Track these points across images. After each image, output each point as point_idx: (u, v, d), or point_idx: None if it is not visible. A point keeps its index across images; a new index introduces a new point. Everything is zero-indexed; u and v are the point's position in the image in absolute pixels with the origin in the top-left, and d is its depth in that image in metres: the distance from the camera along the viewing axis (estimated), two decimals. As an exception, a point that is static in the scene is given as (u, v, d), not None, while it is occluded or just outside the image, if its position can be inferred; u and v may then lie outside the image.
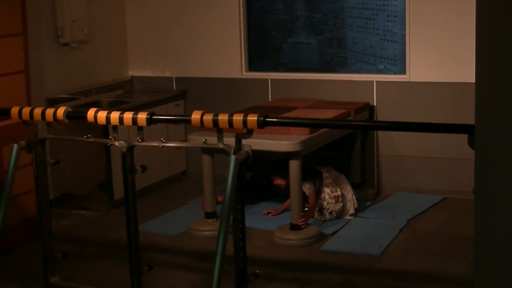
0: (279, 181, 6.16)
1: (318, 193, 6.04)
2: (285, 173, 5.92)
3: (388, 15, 6.82)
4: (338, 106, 6.56)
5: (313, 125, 5.38)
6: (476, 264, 2.35)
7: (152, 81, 7.71)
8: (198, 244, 5.74)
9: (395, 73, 6.84)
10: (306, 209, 5.93)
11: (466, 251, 5.31)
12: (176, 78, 7.64)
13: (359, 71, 7.01)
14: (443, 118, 6.41)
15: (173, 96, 7.48)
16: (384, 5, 6.82)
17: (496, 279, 2.21)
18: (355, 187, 6.47)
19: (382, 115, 6.82)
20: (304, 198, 5.89)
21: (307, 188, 5.97)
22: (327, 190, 6.04)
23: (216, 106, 7.16)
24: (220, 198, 5.96)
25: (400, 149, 6.81)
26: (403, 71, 6.79)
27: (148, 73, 7.74)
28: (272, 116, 4.23)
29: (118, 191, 6.25)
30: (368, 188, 6.83)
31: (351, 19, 6.98)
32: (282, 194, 6.29)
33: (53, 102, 6.52)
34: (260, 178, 6.25)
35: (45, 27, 6.63)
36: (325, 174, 6.12)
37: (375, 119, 6.84)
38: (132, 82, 7.77)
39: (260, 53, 7.39)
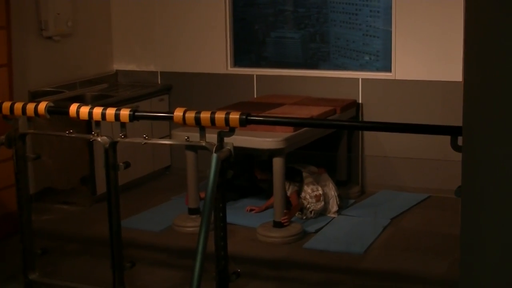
0: (260, 175, 6.15)
1: (299, 192, 6.01)
2: (267, 168, 5.92)
3: (371, 11, 6.80)
4: (324, 103, 6.54)
5: (295, 124, 5.36)
6: (462, 265, 2.33)
7: (137, 75, 7.66)
8: (181, 240, 5.70)
9: (377, 69, 6.83)
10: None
11: (450, 250, 5.31)
12: (161, 72, 7.60)
13: (341, 66, 6.99)
14: (429, 116, 6.40)
15: (158, 91, 7.43)
16: (367, 0, 6.80)
17: (482, 280, 2.19)
18: (340, 185, 6.46)
19: (368, 113, 6.80)
20: (286, 199, 5.86)
21: (288, 190, 5.92)
22: (307, 189, 6.01)
23: (201, 102, 7.14)
24: (202, 195, 5.92)
25: (386, 147, 6.80)
26: (386, 67, 6.77)
27: (133, 67, 7.69)
28: (255, 113, 4.20)
29: (101, 186, 6.20)
30: (352, 186, 6.81)
31: (335, 14, 6.96)
32: (266, 191, 6.26)
33: (36, 96, 6.46)
34: (259, 174, 6.22)
35: (29, 20, 6.56)
36: (305, 174, 6.09)
37: (361, 116, 6.83)
38: (116, 76, 7.72)
39: (243, 47, 7.36)
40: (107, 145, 4.23)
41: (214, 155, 3.91)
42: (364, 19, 6.85)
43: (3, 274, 5.03)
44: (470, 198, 2.27)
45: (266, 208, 6.18)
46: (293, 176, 6.00)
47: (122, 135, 4.24)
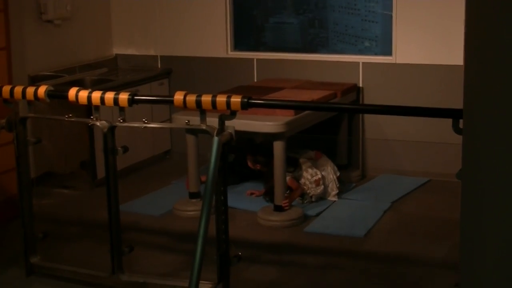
0: (252, 165, 6.15)
1: (297, 178, 6.00)
2: (259, 159, 5.93)
3: (369, -4, 6.79)
4: (324, 87, 6.52)
5: (297, 107, 5.35)
6: (461, 249, 2.33)
7: (137, 60, 7.63)
8: (181, 225, 5.70)
9: (376, 54, 6.81)
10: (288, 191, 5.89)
11: (450, 233, 5.31)
12: (161, 56, 7.57)
13: (340, 51, 6.98)
14: (430, 100, 6.38)
15: (158, 75, 7.41)
16: (366, -15, 6.79)
17: (482, 263, 2.19)
18: (341, 168, 6.44)
19: (369, 96, 6.78)
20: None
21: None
22: (306, 175, 6.00)
23: (201, 86, 7.11)
24: (203, 178, 5.92)
25: (386, 131, 6.79)
26: (385, 52, 6.75)
27: (132, 51, 7.66)
28: (256, 97, 4.19)
29: (101, 170, 6.13)
30: (353, 169, 6.80)
31: (333, 0, 6.93)
32: (266, 175, 6.26)
33: (36, 80, 6.44)
34: (251, 164, 6.22)
35: (28, 4, 6.53)
36: (302, 160, 6.08)
37: (361, 100, 6.81)
38: (116, 60, 7.69)
39: (242, 32, 7.33)
40: (106, 130, 4.22)
41: (216, 139, 3.90)
42: (363, 4, 6.83)
43: (4, 258, 5.03)
44: (470, 181, 2.27)
45: (266, 192, 6.17)
46: (290, 164, 5.95)
47: (121, 119, 4.23)
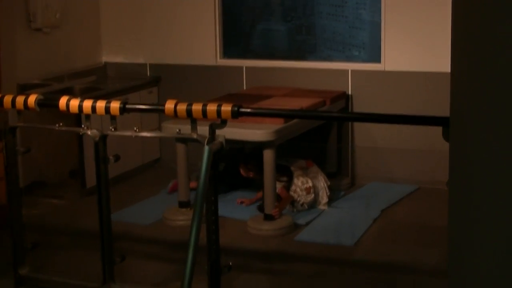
0: (244, 173, 6.15)
1: (288, 187, 6.00)
2: (253, 166, 5.93)
3: (357, 3, 6.80)
4: (314, 95, 6.53)
5: (286, 115, 5.36)
6: (450, 257, 2.33)
7: (126, 68, 7.62)
8: (171, 234, 5.68)
9: (363, 61, 6.83)
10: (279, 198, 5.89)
11: (440, 241, 5.31)
12: (150, 64, 7.57)
13: (328, 58, 6.99)
14: (419, 107, 6.40)
15: (147, 83, 7.40)
16: (353, -8, 6.81)
17: (471, 271, 2.19)
18: (330, 176, 6.45)
19: (358, 104, 6.80)
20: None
21: (276, 186, 5.90)
22: (297, 182, 6.00)
23: (190, 94, 7.10)
24: (192, 184, 5.92)
25: (376, 138, 6.80)
26: (372, 59, 6.77)
27: (121, 59, 7.65)
28: (246, 106, 4.19)
29: (90, 179, 6.16)
30: (343, 177, 6.81)
31: (321, 6, 6.96)
32: (256, 183, 6.25)
33: (25, 88, 6.41)
34: (244, 171, 6.21)
35: (17, 12, 6.51)
36: (293, 168, 6.08)
37: (351, 108, 6.82)
38: (105, 68, 7.68)
39: (230, 39, 7.34)
40: (97, 138, 4.20)
41: (206, 148, 3.89)
42: (351, 11, 6.85)
43: (-7, 269, 5.01)
44: (458, 189, 2.27)
45: (257, 200, 6.17)
46: (280, 172, 5.96)
47: (112, 128, 4.22)
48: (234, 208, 6.12)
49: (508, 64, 1.99)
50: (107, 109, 4.15)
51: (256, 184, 6.25)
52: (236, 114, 3.98)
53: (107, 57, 7.69)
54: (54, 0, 6.79)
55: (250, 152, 6.19)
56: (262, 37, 7.26)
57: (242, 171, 6.18)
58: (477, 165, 2.13)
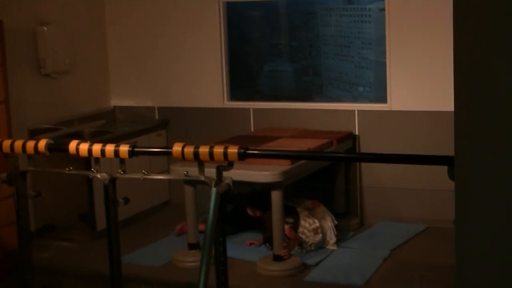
0: (251, 212, 6.17)
1: (295, 227, 6.01)
2: (259, 204, 5.95)
3: (363, 43, 6.87)
4: (320, 136, 6.57)
5: (293, 157, 5.40)
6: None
7: (135, 111, 7.70)
8: (181, 276, 5.69)
9: (370, 101, 6.88)
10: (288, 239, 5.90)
11: (449, 280, 5.30)
12: (158, 107, 7.64)
13: (335, 98, 7.04)
14: (426, 146, 6.43)
15: (155, 126, 7.47)
16: (359, 32, 6.87)
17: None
18: (339, 217, 6.46)
19: (365, 144, 6.83)
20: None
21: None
22: (305, 224, 6.02)
23: (198, 136, 7.16)
24: (201, 227, 5.95)
25: (383, 178, 6.82)
26: (379, 98, 6.82)
27: (130, 103, 7.73)
28: (252, 147, 4.24)
29: (100, 222, 6.21)
30: (351, 217, 6.81)
31: (327, 47, 7.03)
32: (263, 225, 6.26)
33: (35, 133, 6.49)
34: (251, 211, 6.23)
35: (26, 58, 6.62)
36: (299, 209, 6.11)
37: (358, 148, 6.85)
38: (114, 112, 7.76)
39: (237, 81, 7.42)
40: (107, 181, 4.25)
41: (214, 190, 3.94)
42: (356, 51, 6.92)
43: (4, 312, 5.03)
44: (464, 228, 2.29)
45: (265, 242, 6.18)
46: (287, 212, 5.97)
47: (122, 171, 4.27)
48: (243, 249, 6.13)
49: (510, 104, 2.03)
50: (116, 153, 4.21)
51: (264, 226, 6.26)
52: (242, 156, 4.02)
53: (115, 101, 7.77)
54: (63, 46, 6.90)
55: (256, 192, 6.21)
56: (269, 79, 7.34)
57: (249, 210, 6.20)
58: (482, 204, 2.15)
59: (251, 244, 6.22)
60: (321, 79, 7.12)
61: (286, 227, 5.88)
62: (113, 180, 4.26)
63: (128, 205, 4.40)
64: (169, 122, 7.57)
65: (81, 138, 6.42)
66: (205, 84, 7.40)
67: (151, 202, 7.33)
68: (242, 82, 7.43)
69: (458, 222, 2.34)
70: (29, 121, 6.59)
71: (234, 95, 7.40)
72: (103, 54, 7.66)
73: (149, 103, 7.67)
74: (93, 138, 6.66)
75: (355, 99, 6.96)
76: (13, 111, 5.91)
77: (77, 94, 7.26)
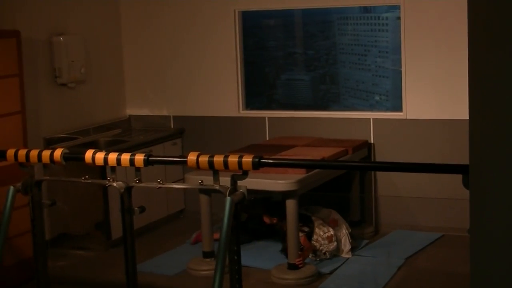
0: (268, 220, 6.17)
1: (310, 235, 6.01)
2: (275, 212, 5.95)
3: (379, 51, 6.88)
4: (336, 144, 6.57)
5: (307, 166, 5.40)
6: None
7: (150, 120, 7.73)
8: (196, 284, 5.71)
9: (387, 109, 6.88)
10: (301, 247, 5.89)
11: (465, 289, 5.28)
12: (173, 116, 7.67)
13: (352, 107, 7.05)
14: (441, 154, 6.43)
15: (171, 135, 7.49)
16: (375, 41, 6.88)
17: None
18: (354, 225, 6.46)
19: (381, 152, 6.83)
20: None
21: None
22: (319, 232, 6.02)
23: (213, 145, 7.18)
24: (216, 236, 5.95)
25: (398, 186, 6.81)
26: (396, 107, 6.82)
27: (146, 111, 7.76)
28: (267, 156, 4.25)
29: (116, 231, 6.23)
30: (366, 226, 6.81)
31: (343, 56, 7.04)
32: (280, 233, 6.26)
33: (51, 142, 6.53)
34: (268, 219, 6.23)
35: (43, 68, 6.66)
36: (314, 218, 6.10)
37: (373, 156, 6.85)
38: (130, 121, 7.79)
39: (254, 90, 7.44)
40: (123, 190, 4.27)
41: (228, 198, 3.94)
42: (373, 59, 6.93)
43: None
44: (479, 236, 2.29)
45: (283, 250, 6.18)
46: (301, 222, 5.97)
47: (137, 179, 4.29)
48: (258, 257, 6.14)
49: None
50: (132, 161, 4.22)
51: (279, 233, 6.27)
52: (257, 165, 4.03)
53: (131, 110, 7.81)
54: (79, 56, 6.94)
55: (272, 200, 6.22)
56: (286, 87, 7.35)
57: (265, 218, 6.20)
58: (497, 212, 2.15)
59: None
60: (338, 88, 7.13)
61: (301, 235, 5.88)
62: (128, 189, 4.28)
63: (143, 214, 4.42)
64: (185, 131, 7.59)
65: (97, 147, 6.46)
66: (221, 93, 7.42)
67: (167, 211, 7.35)
68: (259, 91, 7.45)
69: (473, 231, 2.33)
70: (45, 131, 6.64)
71: (251, 104, 7.42)
72: (119, 64, 7.70)
73: (164, 112, 7.70)
74: (109, 147, 6.69)
75: (372, 108, 6.96)
76: (29, 120, 5.95)
77: (93, 104, 7.30)
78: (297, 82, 7.32)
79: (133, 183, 4.28)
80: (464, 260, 5.84)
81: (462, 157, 4.31)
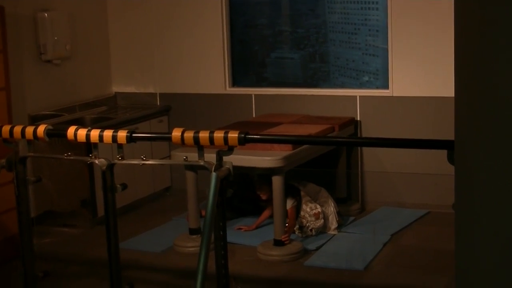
0: (263, 194, 6.15)
1: (297, 210, 6.02)
2: (267, 186, 5.95)
3: (370, 30, 6.84)
4: (322, 121, 6.57)
5: (294, 141, 5.39)
6: (457, 281, 2.34)
7: (136, 97, 7.70)
8: (182, 261, 5.71)
9: (377, 87, 6.87)
10: (286, 224, 5.89)
11: (449, 265, 5.28)
12: (160, 94, 7.64)
13: (342, 85, 7.03)
14: (427, 132, 6.43)
15: (157, 112, 7.46)
16: (366, 19, 6.85)
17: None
18: (340, 202, 6.47)
19: (367, 130, 6.83)
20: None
21: (287, 204, 5.91)
22: (306, 208, 6.02)
23: (200, 122, 7.16)
24: (203, 212, 5.95)
25: (385, 163, 6.82)
26: (386, 85, 6.81)
27: (132, 89, 7.73)
28: (253, 132, 4.23)
29: (101, 208, 6.10)
30: (352, 203, 6.82)
31: (334, 34, 7.00)
32: (264, 208, 6.26)
33: (36, 119, 6.50)
34: (249, 193, 6.23)
35: (27, 44, 6.61)
36: (302, 193, 6.10)
37: (359, 133, 6.85)
38: (116, 98, 7.75)
39: (243, 68, 7.40)
40: (105, 167, 4.24)
41: (214, 174, 3.93)
42: (363, 38, 6.89)
43: (4, 298, 5.04)
44: (463, 212, 2.29)
45: (257, 227, 6.19)
46: (292, 192, 6.00)
47: (120, 156, 4.26)
48: (244, 234, 6.14)
49: (510, 89, 2.02)
50: (114, 138, 4.19)
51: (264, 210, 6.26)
52: (243, 141, 4.01)
53: (117, 88, 7.77)
54: (64, 32, 6.89)
55: (263, 174, 6.18)
56: (276, 66, 7.32)
57: (258, 192, 6.15)
58: (481, 187, 2.15)
59: (239, 229, 6.20)
60: (328, 66, 7.10)
61: (290, 205, 5.87)
62: (111, 166, 4.25)
63: (129, 191, 4.40)
64: (171, 108, 7.57)
65: (82, 124, 6.42)
66: (208, 70, 7.39)
67: (153, 188, 7.34)
68: (248, 69, 7.41)
69: (457, 206, 2.33)
70: (30, 107, 6.60)
71: (241, 82, 7.39)
72: (105, 41, 7.65)
73: (150, 89, 7.66)
74: (94, 124, 6.67)
75: (362, 86, 6.94)
76: (14, 97, 5.91)
77: (79, 81, 7.25)
78: (287, 60, 7.29)
79: (116, 160, 4.26)
80: (449, 237, 5.86)
81: (447, 134, 4.30)
